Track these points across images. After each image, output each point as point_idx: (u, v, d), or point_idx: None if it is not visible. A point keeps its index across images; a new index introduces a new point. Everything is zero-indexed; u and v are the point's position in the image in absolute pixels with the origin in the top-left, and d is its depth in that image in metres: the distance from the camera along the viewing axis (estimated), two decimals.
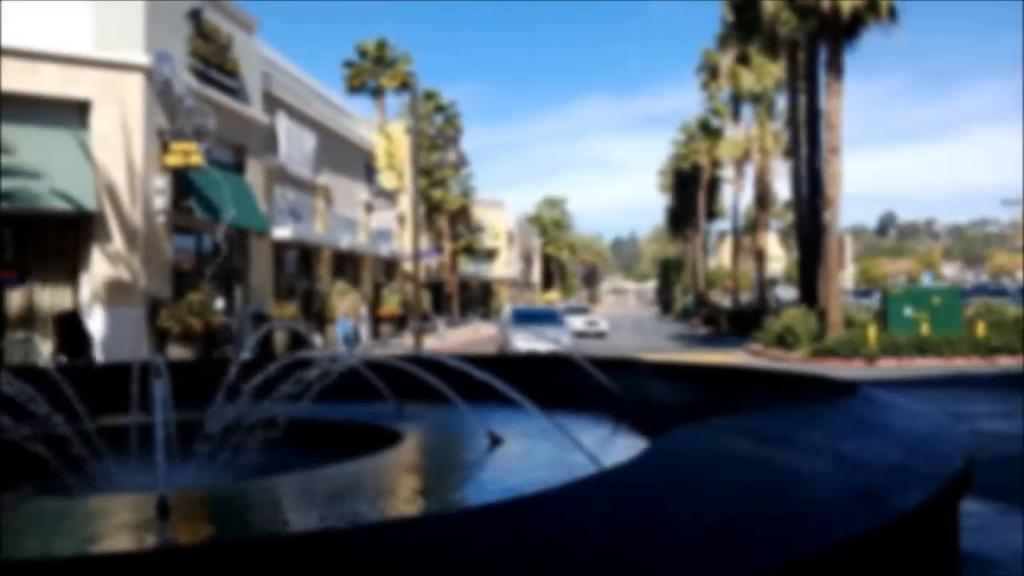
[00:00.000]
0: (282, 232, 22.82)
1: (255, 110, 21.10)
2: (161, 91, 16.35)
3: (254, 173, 21.12)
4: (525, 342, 21.94)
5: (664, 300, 79.76)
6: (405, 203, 34.58)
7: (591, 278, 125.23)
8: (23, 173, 14.35)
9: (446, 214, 46.14)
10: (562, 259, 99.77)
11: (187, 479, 4.19)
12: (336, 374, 4.68)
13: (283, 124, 23.69)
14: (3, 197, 13.97)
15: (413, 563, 1.75)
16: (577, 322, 35.10)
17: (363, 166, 31.97)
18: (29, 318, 15.46)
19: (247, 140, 20.74)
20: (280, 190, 23.92)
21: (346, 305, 21.22)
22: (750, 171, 42.49)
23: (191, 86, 17.36)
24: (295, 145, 24.51)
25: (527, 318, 26.12)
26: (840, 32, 22.39)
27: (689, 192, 57.11)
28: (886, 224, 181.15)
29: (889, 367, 20.00)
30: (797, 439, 2.95)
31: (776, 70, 34.24)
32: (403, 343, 26.11)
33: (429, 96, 43.90)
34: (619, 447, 4.34)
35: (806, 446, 2.84)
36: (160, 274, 16.72)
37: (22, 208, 14.46)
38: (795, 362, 21.03)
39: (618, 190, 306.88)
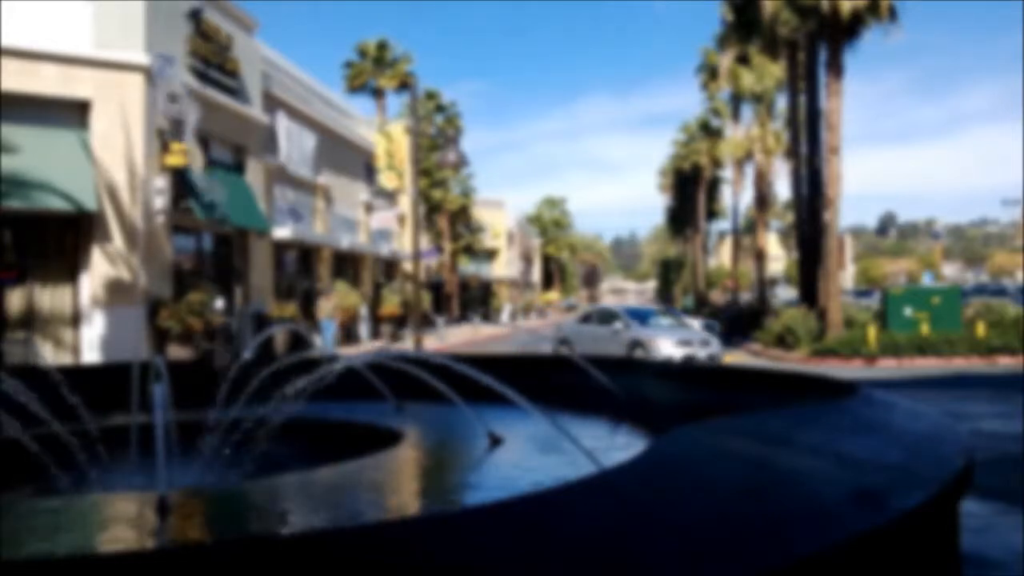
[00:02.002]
0: (282, 232, 22.83)
1: (255, 110, 21.10)
2: (160, 89, 16.30)
3: (254, 173, 21.13)
4: (676, 348, 18.83)
5: (664, 300, 79.77)
6: (405, 203, 34.58)
7: (591, 278, 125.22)
8: (23, 173, 14.35)
9: (446, 214, 46.13)
10: (562, 259, 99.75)
11: (186, 479, 4.19)
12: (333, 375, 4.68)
13: (283, 124, 23.70)
14: (3, 197, 13.98)
15: (412, 563, 1.75)
16: (695, 324, 33.77)
17: (363, 166, 31.98)
18: (29, 318, 15.47)
19: (247, 140, 20.74)
20: (280, 190, 23.92)
21: (330, 307, 20.98)
22: (750, 171, 42.46)
23: (187, 83, 17.36)
24: (295, 145, 24.52)
25: (640, 317, 21.58)
26: (840, 32, 22.39)
27: (689, 192, 57.07)
28: (886, 224, 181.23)
29: (889, 367, 20.00)
30: (797, 439, 2.95)
31: (776, 70, 34.22)
32: (401, 344, 26.10)
33: (429, 96, 43.90)
34: (619, 447, 4.33)
35: (806, 446, 2.84)
36: (160, 274, 16.72)
37: (22, 208, 14.46)
38: (795, 362, 21.03)
39: (618, 190, 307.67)
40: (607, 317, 21.87)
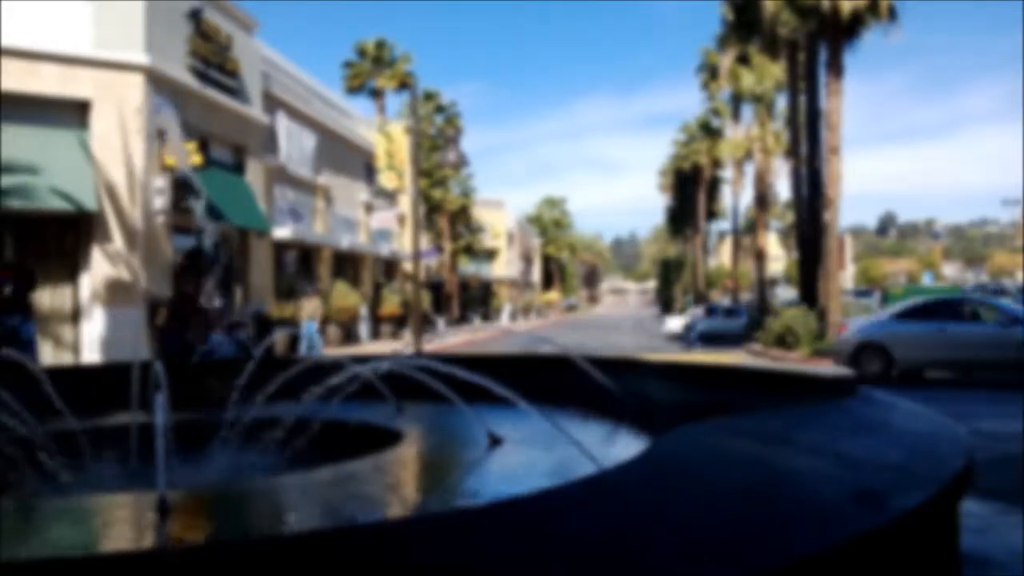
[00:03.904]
0: (282, 232, 22.83)
1: (255, 110, 21.10)
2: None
3: (254, 173, 21.12)
4: None
5: (664, 300, 79.81)
6: (405, 203, 34.58)
7: (591, 278, 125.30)
8: (23, 173, 14.35)
9: (446, 214, 46.14)
10: (562, 259, 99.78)
11: (186, 479, 4.18)
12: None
13: (283, 124, 23.70)
14: (3, 197, 13.98)
15: (412, 563, 1.74)
16: None
17: (363, 166, 31.98)
18: None
19: (247, 140, 20.74)
20: (280, 190, 23.92)
21: (311, 308, 20.88)
22: (750, 171, 42.47)
23: (186, 84, 17.36)
24: (295, 145, 24.51)
25: None
26: (840, 32, 22.40)
27: (689, 192, 57.13)
28: (886, 224, 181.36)
29: None
30: (797, 439, 2.95)
31: (776, 70, 34.23)
32: (398, 345, 26.08)
33: (429, 96, 43.90)
34: (619, 447, 4.33)
35: (806, 446, 2.84)
36: (160, 274, 16.72)
37: (22, 208, 14.46)
38: (795, 362, 21.02)
39: (618, 190, 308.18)
40: (978, 311, 15.07)
